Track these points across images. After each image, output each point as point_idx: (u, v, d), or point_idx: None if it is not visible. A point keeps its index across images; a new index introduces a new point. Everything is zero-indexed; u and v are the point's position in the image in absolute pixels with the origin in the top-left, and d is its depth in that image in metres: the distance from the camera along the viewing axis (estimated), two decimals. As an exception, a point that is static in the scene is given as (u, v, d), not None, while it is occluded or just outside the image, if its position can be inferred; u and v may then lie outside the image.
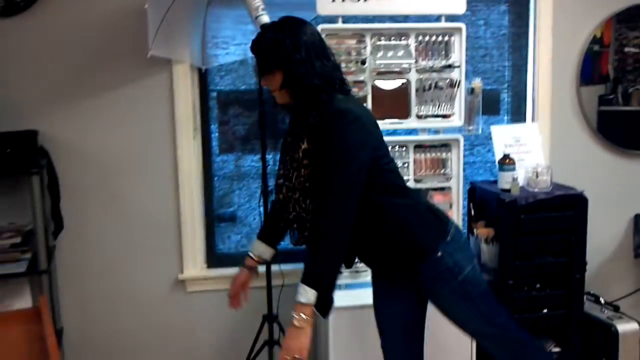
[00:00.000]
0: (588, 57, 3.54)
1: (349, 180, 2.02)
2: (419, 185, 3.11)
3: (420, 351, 2.45)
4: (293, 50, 2.04)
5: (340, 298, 2.95)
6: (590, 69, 3.59)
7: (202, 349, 3.34)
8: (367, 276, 2.96)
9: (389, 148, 2.86)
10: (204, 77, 3.25)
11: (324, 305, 2.03)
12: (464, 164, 3.33)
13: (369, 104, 3.01)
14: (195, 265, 3.28)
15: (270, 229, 2.42)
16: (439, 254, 2.19)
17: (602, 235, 3.63)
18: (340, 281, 2.89)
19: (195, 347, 3.33)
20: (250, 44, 2.14)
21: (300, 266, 2.11)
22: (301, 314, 1.98)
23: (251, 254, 2.42)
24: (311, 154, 2.08)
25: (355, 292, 3.03)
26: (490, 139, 3.33)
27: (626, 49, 3.61)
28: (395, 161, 2.98)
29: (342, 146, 2.02)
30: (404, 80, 3.04)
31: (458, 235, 2.28)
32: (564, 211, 3.06)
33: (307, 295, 1.98)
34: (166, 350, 3.30)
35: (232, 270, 3.00)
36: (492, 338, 2.37)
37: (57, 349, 1.60)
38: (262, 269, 2.62)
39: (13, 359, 1.63)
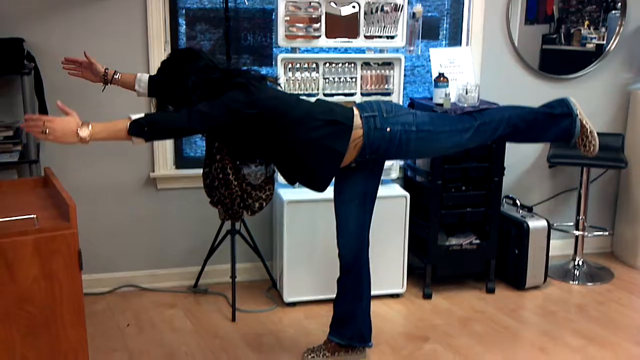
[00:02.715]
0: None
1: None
2: (365, 99, 3.54)
3: (369, 222, 2.88)
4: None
5: (294, 193, 3.42)
6: (535, 9, 4.01)
7: (171, 239, 3.77)
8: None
9: (340, 64, 3.34)
10: (174, -4, 3.58)
11: (137, 131, 2.37)
12: (406, 82, 3.80)
13: (322, 25, 3.40)
14: (165, 165, 3.68)
15: (154, 87, 2.76)
16: (380, 132, 2.62)
17: (524, 150, 4.15)
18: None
19: (165, 236, 3.76)
20: None
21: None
22: (106, 127, 2.35)
23: (122, 74, 2.80)
24: None
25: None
26: (430, 61, 3.78)
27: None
28: (345, 76, 3.49)
29: None
30: (355, 4, 3.43)
31: (371, 108, 2.68)
32: (487, 123, 3.56)
33: (130, 125, 2.35)
34: (139, 238, 3.72)
35: (198, 171, 3.42)
36: (483, 132, 2.78)
37: (72, 199, 2.01)
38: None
39: (32, 210, 2.04)
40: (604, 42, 4.13)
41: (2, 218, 1.98)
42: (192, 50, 2.70)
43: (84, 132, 2.28)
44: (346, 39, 3.48)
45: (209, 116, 2.44)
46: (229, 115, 2.47)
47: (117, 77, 2.79)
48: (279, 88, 2.83)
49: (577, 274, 4.02)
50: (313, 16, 3.38)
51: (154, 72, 3.45)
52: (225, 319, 3.41)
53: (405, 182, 3.87)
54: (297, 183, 2.87)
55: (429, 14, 3.94)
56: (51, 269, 1.96)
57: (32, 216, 2.00)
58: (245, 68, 2.73)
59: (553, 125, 2.84)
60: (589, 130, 2.83)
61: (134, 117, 2.39)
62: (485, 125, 2.77)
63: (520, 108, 2.89)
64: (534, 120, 2.83)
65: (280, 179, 3.19)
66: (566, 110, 2.83)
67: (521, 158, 4.17)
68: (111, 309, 3.51)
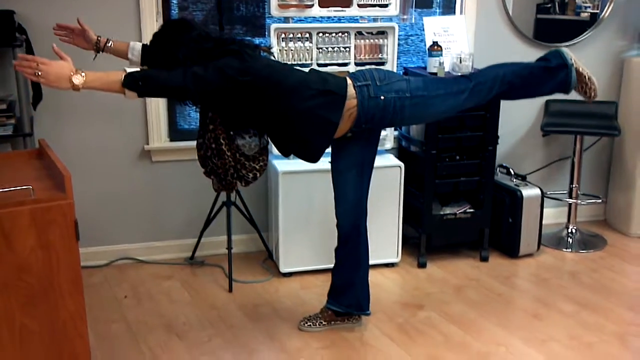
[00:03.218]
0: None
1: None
2: (358, 68, 3.53)
3: (366, 191, 2.89)
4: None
5: (289, 164, 3.43)
6: (530, -22, 4.00)
7: (167, 211, 3.78)
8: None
9: (333, 34, 3.33)
10: (165, -35, 3.55)
11: (131, 84, 2.37)
12: (399, 52, 3.78)
13: (316, -6, 3.39)
14: (159, 138, 3.68)
15: (147, 57, 2.72)
16: (374, 101, 2.62)
17: (518, 119, 4.16)
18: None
19: (161, 209, 3.77)
20: None
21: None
22: (100, 77, 2.34)
23: (115, 42, 2.78)
24: None
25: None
26: (424, 30, 3.76)
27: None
28: (338, 46, 3.48)
29: None
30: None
31: (364, 77, 2.67)
32: (481, 92, 3.56)
33: (124, 77, 2.35)
34: (135, 210, 3.73)
35: (192, 143, 3.41)
36: (479, 92, 2.78)
37: (67, 169, 2.02)
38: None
39: (27, 182, 2.04)
40: (598, 11, 4.11)
41: (-3, 189, 1.99)
42: (184, 21, 2.68)
43: (78, 80, 2.28)
44: (339, 8, 3.46)
45: (203, 79, 2.43)
46: (223, 80, 2.46)
47: (109, 45, 2.77)
48: (272, 58, 2.82)
49: (570, 242, 4.06)
50: (306, -15, 3.36)
51: (146, 42, 3.47)
52: (222, 290, 3.44)
53: (400, 152, 3.88)
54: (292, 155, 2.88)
55: (423, -17, 3.92)
56: (48, 239, 1.97)
57: (28, 187, 2.00)
58: (238, 38, 2.72)
59: (549, 78, 2.84)
60: (587, 77, 2.83)
61: (129, 70, 2.39)
62: (481, 85, 2.77)
63: (515, 64, 2.88)
64: (530, 75, 2.83)
65: (274, 150, 3.19)
66: (561, 62, 2.83)
67: (515, 127, 4.17)
68: (108, 281, 3.53)
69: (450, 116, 2.84)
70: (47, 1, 3.32)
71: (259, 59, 2.59)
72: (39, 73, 2.23)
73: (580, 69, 2.82)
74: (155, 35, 2.64)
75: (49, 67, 2.24)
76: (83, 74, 2.29)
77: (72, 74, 2.27)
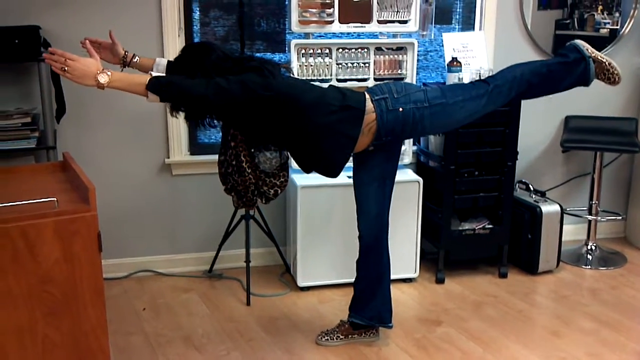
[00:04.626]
0: (548, -17, 3.92)
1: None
2: (377, 83, 3.54)
3: (388, 203, 2.89)
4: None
5: (308, 178, 3.44)
6: (549, -5, 4.00)
7: (187, 224, 3.81)
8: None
9: (353, 50, 3.36)
10: (188, -17, 3.60)
11: (155, 88, 2.39)
12: (419, 67, 3.80)
13: (335, 10, 3.41)
14: (180, 152, 3.71)
15: (173, 70, 2.70)
16: (393, 113, 2.63)
17: (537, 134, 4.16)
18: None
19: (181, 222, 3.80)
20: None
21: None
22: (126, 77, 2.37)
23: (141, 58, 2.81)
24: None
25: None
26: (443, 46, 3.77)
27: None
28: (358, 62, 3.50)
29: None
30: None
31: (381, 91, 2.69)
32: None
33: (149, 80, 2.37)
34: (155, 223, 3.76)
35: (212, 157, 3.46)
36: (498, 95, 2.78)
37: (91, 182, 2.05)
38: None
39: (51, 194, 2.07)
40: (618, 27, 4.11)
41: (22, 201, 2.02)
42: (204, 45, 2.72)
43: (103, 78, 2.31)
44: (359, 24, 3.49)
45: (226, 90, 2.45)
46: (245, 93, 2.48)
47: (135, 60, 2.81)
48: (292, 75, 2.84)
49: (590, 259, 4.02)
50: (326, 1, 3.38)
51: (167, 58, 3.51)
52: (240, 303, 3.45)
53: (418, 167, 3.89)
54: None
55: (442, -1, 3.94)
56: (72, 250, 1.99)
57: (52, 199, 2.03)
58: (257, 55, 2.74)
59: (568, 73, 2.84)
60: (607, 64, 2.82)
61: (155, 74, 2.43)
62: (499, 88, 2.77)
63: (532, 63, 2.89)
64: (548, 72, 2.83)
65: (293, 164, 3.21)
66: (578, 55, 2.83)
67: (534, 143, 4.16)
68: (127, 293, 3.56)
69: (472, 121, 2.82)
70: (71, 16, 3.39)
71: (278, 75, 2.61)
72: (66, 68, 2.27)
73: (599, 58, 2.82)
74: (176, 60, 2.67)
75: (76, 63, 2.29)
76: (109, 73, 2.33)
77: (98, 72, 2.31)
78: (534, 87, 2.84)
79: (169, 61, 2.79)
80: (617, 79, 2.85)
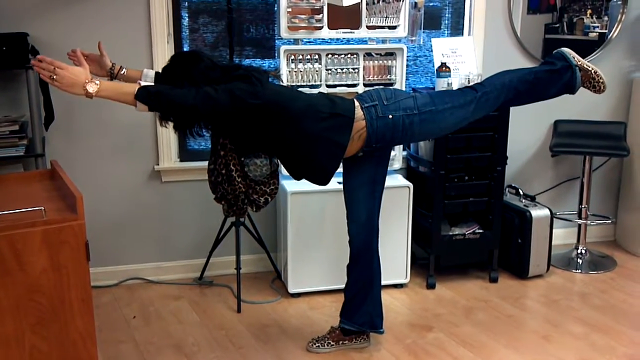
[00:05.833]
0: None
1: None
2: (367, 89, 3.54)
3: (378, 209, 2.89)
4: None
5: (298, 184, 3.43)
6: (538, -1, 4.02)
7: (176, 231, 3.79)
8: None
9: (342, 55, 3.35)
10: (176, -12, 3.60)
11: (143, 97, 2.39)
12: (408, 73, 3.81)
13: (324, 16, 3.41)
14: (169, 159, 3.70)
15: (162, 80, 2.69)
16: (383, 120, 2.64)
17: (527, 139, 4.17)
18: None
19: (171, 229, 3.78)
20: None
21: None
22: (115, 87, 2.38)
23: (128, 69, 2.80)
24: None
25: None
26: (432, 51, 3.78)
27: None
28: (347, 67, 3.50)
29: None
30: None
31: (371, 98, 2.70)
32: (489, 112, 3.57)
33: (138, 89, 2.37)
34: (145, 230, 3.75)
35: (202, 164, 3.45)
36: (486, 102, 2.79)
37: (79, 191, 2.03)
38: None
39: (39, 203, 2.06)
40: (607, 31, 4.13)
41: (10, 210, 2.00)
42: (193, 53, 2.71)
43: (92, 88, 2.31)
44: (348, 30, 3.49)
45: (214, 100, 2.45)
46: (233, 102, 2.47)
47: (123, 72, 2.80)
48: (280, 82, 2.84)
49: (580, 263, 4.04)
50: (315, 7, 3.39)
51: (157, 65, 3.50)
52: (231, 310, 3.43)
53: (408, 172, 3.89)
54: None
55: (431, 4, 3.94)
56: (59, 259, 1.98)
57: (40, 208, 2.02)
58: (246, 63, 2.74)
59: (555, 80, 2.86)
60: (593, 72, 2.85)
61: (144, 84, 2.41)
62: (487, 95, 2.78)
63: (520, 70, 2.90)
64: (535, 79, 2.84)
65: (283, 170, 3.21)
66: (565, 63, 2.85)
67: (524, 147, 4.18)
68: (117, 301, 3.54)
69: (462, 127, 2.83)
70: (60, 24, 3.37)
71: (266, 83, 2.61)
72: (54, 77, 2.27)
73: (585, 66, 2.85)
74: (164, 70, 2.66)
75: (65, 72, 2.28)
76: (97, 82, 2.32)
77: (87, 81, 2.31)
78: (522, 94, 2.85)
79: (157, 72, 2.78)
80: (602, 88, 2.87)
